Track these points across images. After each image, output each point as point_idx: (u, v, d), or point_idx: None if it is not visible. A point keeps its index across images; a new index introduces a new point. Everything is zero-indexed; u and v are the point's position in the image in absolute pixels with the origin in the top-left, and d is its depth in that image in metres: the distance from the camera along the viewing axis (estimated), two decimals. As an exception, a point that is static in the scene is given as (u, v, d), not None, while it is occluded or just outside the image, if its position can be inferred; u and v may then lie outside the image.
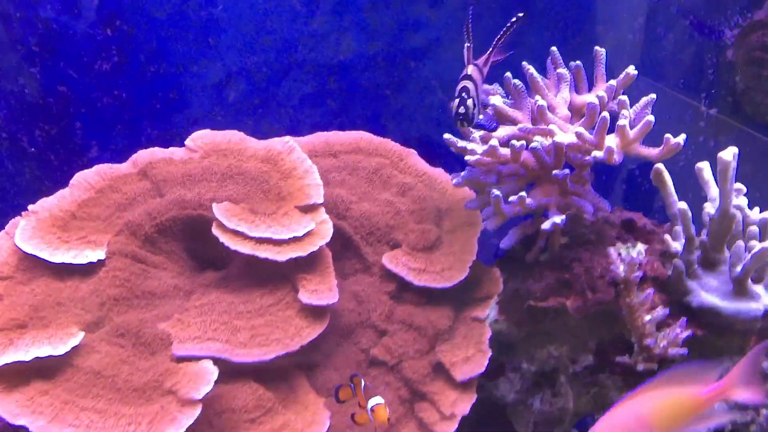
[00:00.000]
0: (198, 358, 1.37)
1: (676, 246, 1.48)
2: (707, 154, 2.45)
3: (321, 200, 1.62)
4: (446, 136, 1.60)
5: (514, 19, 1.49)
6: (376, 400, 1.27)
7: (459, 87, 1.38)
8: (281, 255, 1.48)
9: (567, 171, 1.44)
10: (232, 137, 1.75)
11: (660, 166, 1.52)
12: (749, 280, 1.41)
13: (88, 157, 2.16)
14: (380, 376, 1.55)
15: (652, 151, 1.48)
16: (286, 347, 1.43)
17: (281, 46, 2.29)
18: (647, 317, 1.35)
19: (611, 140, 1.45)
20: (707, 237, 1.49)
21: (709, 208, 1.51)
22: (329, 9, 2.22)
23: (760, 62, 2.13)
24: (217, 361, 1.38)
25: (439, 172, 1.83)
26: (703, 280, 1.48)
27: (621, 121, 1.40)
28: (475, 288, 1.64)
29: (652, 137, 1.49)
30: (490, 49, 1.51)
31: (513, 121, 1.56)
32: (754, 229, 1.48)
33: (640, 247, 1.53)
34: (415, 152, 1.88)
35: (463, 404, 1.51)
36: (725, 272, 1.47)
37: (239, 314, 1.45)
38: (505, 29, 1.50)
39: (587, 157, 1.42)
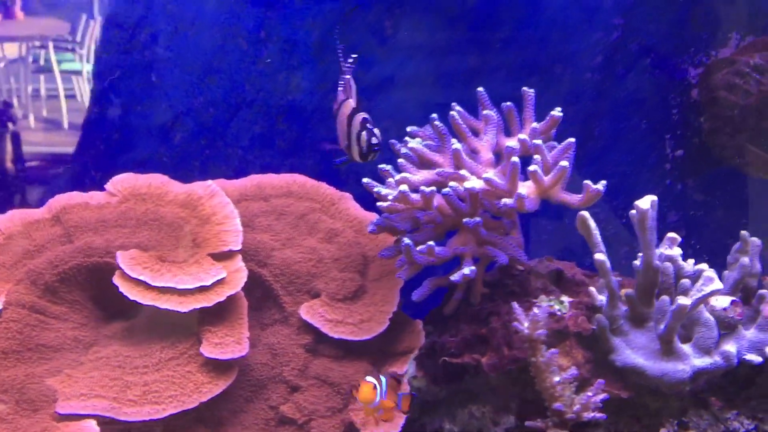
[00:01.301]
0: (82, 417, 1.32)
1: (601, 299, 1.40)
2: (675, 198, 2.37)
3: (238, 247, 1.57)
4: (365, 180, 1.55)
5: (350, 61, 1.45)
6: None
7: (357, 121, 1.33)
8: (184, 306, 1.43)
9: (478, 219, 1.37)
10: (154, 181, 1.71)
11: (584, 213, 1.45)
12: (676, 339, 1.33)
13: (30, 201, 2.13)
14: (289, 435, 1.48)
15: (573, 199, 1.42)
16: (182, 405, 1.37)
17: (229, 85, 2.27)
18: (556, 378, 1.26)
19: (526, 187, 1.39)
20: (635, 290, 1.41)
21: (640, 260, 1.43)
22: (277, 48, 2.19)
23: (725, 102, 2.06)
24: (104, 420, 1.32)
25: (372, 217, 1.77)
26: (630, 337, 1.40)
27: (531, 167, 1.34)
28: (396, 341, 1.57)
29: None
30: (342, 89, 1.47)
31: (433, 165, 1.51)
32: (686, 282, 1.40)
33: (566, 299, 1.46)
34: (350, 196, 1.83)
35: (377, 469, 1.43)
36: (654, 329, 1.38)
37: (134, 369, 1.40)
38: (344, 71, 1.46)
39: (500, 204, 1.35)
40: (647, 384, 1.37)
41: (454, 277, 1.36)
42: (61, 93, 2.30)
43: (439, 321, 1.57)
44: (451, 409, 1.51)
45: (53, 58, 2.28)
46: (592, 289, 1.42)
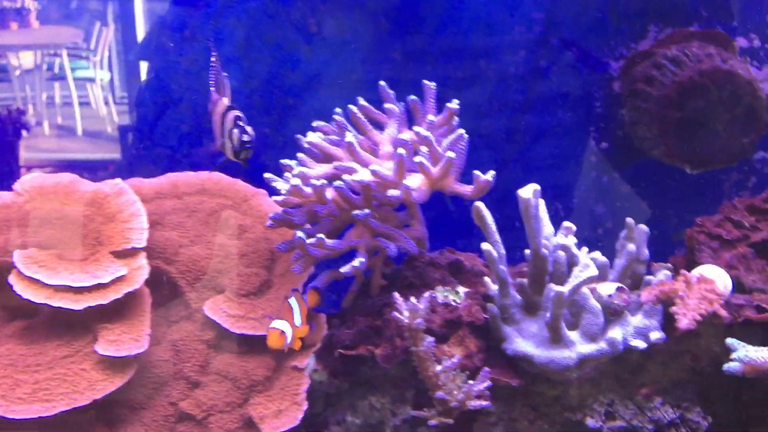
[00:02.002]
0: (-32, 415, 1.31)
1: (495, 289, 1.42)
2: (601, 190, 2.39)
3: (142, 245, 1.58)
4: (266, 175, 1.56)
5: (213, 59, 1.45)
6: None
7: (229, 118, 1.33)
8: (78, 304, 1.43)
9: (367, 211, 1.38)
10: (62, 180, 1.71)
11: (479, 204, 1.46)
12: (562, 326, 1.34)
13: None
14: (188, 431, 1.48)
15: (465, 189, 1.43)
16: (74, 402, 1.37)
17: (155, 84, 2.27)
18: (437, 367, 1.27)
19: (417, 178, 1.40)
20: (527, 279, 1.42)
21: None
22: (201, 46, 2.20)
23: (643, 94, 2.08)
24: (-8, 418, 1.32)
25: (285, 213, 1.77)
26: (522, 326, 1.41)
27: (417, 158, 1.35)
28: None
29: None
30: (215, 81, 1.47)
31: (333, 159, 1.51)
32: (573, 274, 1.41)
33: (462, 290, 1.47)
34: (265, 193, 1.83)
35: (272, 462, 1.43)
36: (544, 317, 1.39)
37: (26, 368, 1.40)
38: (212, 72, 1.46)
39: (389, 196, 1.36)
40: (536, 371, 1.39)
41: (344, 269, 1.36)
42: (75, 100, 2.30)
43: (342, 313, 1.58)
44: (353, 402, 1.52)
45: (67, 65, 2.29)
46: (486, 279, 1.44)
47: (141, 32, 2.51)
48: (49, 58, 2.34)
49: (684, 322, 1.21)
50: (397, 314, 1.25)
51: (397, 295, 1.27)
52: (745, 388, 1.42)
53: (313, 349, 1.54)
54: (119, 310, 1.49)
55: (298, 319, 1.32)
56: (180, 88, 2.27)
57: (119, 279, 1.50)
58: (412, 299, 1.25)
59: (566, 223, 1.49)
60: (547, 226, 1.51)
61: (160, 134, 2.31)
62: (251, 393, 1.51)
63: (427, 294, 1.28)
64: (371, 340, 1.43)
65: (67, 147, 2.23)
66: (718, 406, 1.47)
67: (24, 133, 2.08)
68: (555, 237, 1.48)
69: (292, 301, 1.34)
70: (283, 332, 1.26)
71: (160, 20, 2.32)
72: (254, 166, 2.15)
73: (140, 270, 1.54)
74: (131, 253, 1.57)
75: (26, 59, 2.20)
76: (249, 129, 1.30)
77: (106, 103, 2.47)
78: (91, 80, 2.33)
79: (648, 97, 2.06)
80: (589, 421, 2.20)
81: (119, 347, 1.44)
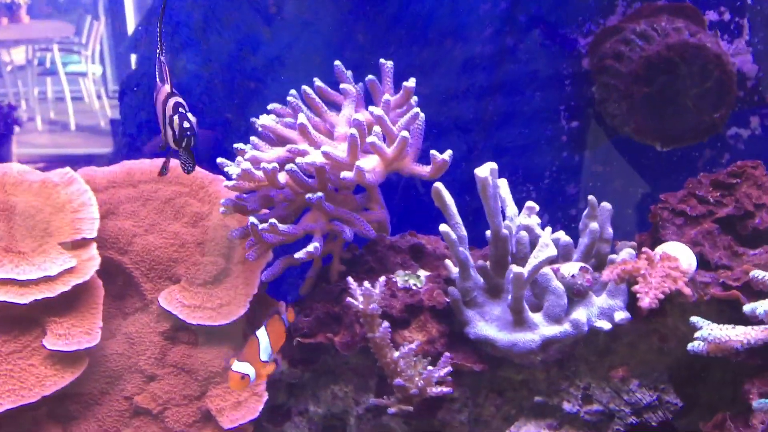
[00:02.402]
0: None
1: (456, 272, 1.38)
2: (573, 170, 2.36)
3: (93, 235, 1.53)
4: (219, 160, 1.51)
5: (159, 46, 1.39)
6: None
7: (170, 105, 1.28)
8: (24, 297, 1.38)
9: (320, 194, 1.34)
10: (9, 170, 1.65)
11: (438, 185, 1.42)
12: (525, 308, 1.31)
13: None
14: (143, 426, 1.44)
15: (423, 170, 1.39)
16: (22, 399, 1.33)
17: (137, 75, 2.21)
18: (395, 353, 1.24)
19: (372, 160, 1.36)
20: (489, 261, 1.39)
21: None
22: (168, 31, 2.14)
23: (612, 71, 2.04)
24: (-66, 417, 1.27)
25: (245, 200, 1.73)
26: (485, 309, 1.38)
27: (370, 138, 1.31)
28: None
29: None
30: (158, 68, 1.41)
31: (286, 141, 1.47)
32: (532, 255, 1.37)
33: (423, 274, 1.43)
34: (224, 179, 1.78)
35: (231, 455, 1.40)
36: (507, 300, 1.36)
37: (-30, 365, 1.35)
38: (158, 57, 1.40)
39: (342, 178, 1.32)
40: (499, 355, 1.35)
41: (299, 255, 1.32)
42: (67, 95, 2.24)
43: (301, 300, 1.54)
44: (315, 391, 1.49)
45: (58, 60, 2.22)
46: (448, 261, 1.40)
47: (131, 24, 2.46)
48: (40, 53, 2.29)
49: (646, 300, 1.17)
50: (351, 300, 1.21)
51: (350, 279, 1.24)
52: (714, 369, 1.39)
53: (272, 338, 1.49)
54: (69, 303, 1.45)
55: (265, 354, 1.23)
56: (136, 74, 2.21)
57: (68, 271, 1.45)
58: (366, 284, 1.21)
59: (529, 203, 1.46)
60: (510, 207, 1.47)
61: (118, 122, 2.25)
62: (209, 385, 1.47)
63: (382, 278, 1.24)
64: (330, 327, 1.39)
65: (60, 142, 2.17)
66: (688, 387, 1.44)
67: (16, 128, 2.03)
68: (518, 217, 1.45)
69: (261, 333, 1.25)
70: (245, 376, 1.19)
71: (148, 11, 2.27)
72: (218, 153, 2.11)
73: (91, 261, 1.50)
74: (81, 243, 1.52)
75: (17, 55, 2.15)
76: (190, 116, 1.24)
77: (99, 97, 2.42)
78: (83, 74, 2.28)
79: (617, 74, 2.02)
80: (566, 406, 2.18)
81: (69, 341, 1.39)
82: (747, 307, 1.09)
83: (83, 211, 1.57)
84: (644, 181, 2.31)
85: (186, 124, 1.24)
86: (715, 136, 2.08)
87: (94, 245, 1.53)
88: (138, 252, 1.59)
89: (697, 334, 1.13)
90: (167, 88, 1.31)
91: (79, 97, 2.38)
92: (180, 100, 1.27)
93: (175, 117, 1.24)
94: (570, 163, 2.30)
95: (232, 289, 1.53)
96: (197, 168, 1.80)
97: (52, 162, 2.10)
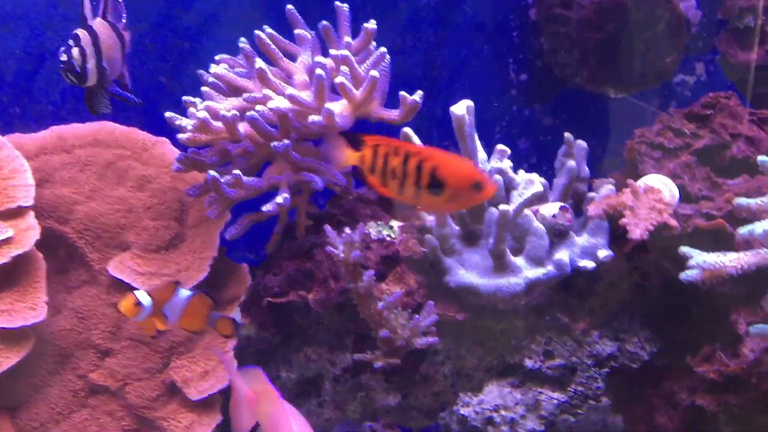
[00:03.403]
0: None
1: (431, 219, 1.33)
2: (523, 124, 2.35)
3: (30, 203, 1.41)
4: (167, 114, 1.42)
5: None
6: None
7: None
8: (-42, 271, 1.26)
9: (287, 142, 1.27)
10: (-73, 138, 1.51)
11: (407, 130, 1.37)
12: (506, 252, 1.28)
13: None
14: (102, 405, 1.35)
15: (392, 114, 1.34)
16: (-36, 383, 1.21)
17: (27, 33, 2.05)
18: (379, 304, 1.18)
19: (340, 104, 1.29)
20: (465, 207, 1.35)
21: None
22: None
23: (562, 19, 2.03)
24: None
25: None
26: (464, 256, 1.34)
27: (338, 79, 1.24)
28: (221, 288, 1.45)
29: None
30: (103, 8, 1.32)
31: (242, 91, 1.39)
32: (515, 194, 1.35)
33: (396, 224, 1.38)
34: (168, 141, 1.68)
35: (202, 427, 1.32)
36: (486, 245, 1.33)
37: None
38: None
39: (310, 124, 1.25)
40: (483, 303, 1.32)
41: (266, 207, 1.25)
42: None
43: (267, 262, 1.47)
44: (287, 355, 1.42)
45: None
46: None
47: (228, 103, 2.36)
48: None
49: (637, 232, 1.16)
50: (331, 249, 1.15)
51: (328, 228, 1.17)
52: (694, 304, 1.40)
53: (238, 302, 1.42)
54: (9, 277, 1.34)
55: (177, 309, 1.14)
56: (58, 37, 2.06)
57: (5, 242, 1.34)
58: (347, 230, 1.15)
59: (500, 146, 1.43)
60: (480, 151, 1.44)
61: (40, 90, 2.10)
62: (172, 356, 1.39)
63: (360, 225, 1.18)
64: (302, 284, 1.33)
65: (146, 204, 2.05)
66: (667, 325, 1.45)
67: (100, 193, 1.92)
68: (489, 162, 1.42)
69: (184, 293, 1.16)
70: (139, 303, 1.09)
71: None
72: (152, 119, 1.99)
73: (30, 231, 1.38)
74: (17, 212, 1.40)
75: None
76: (75, 51, 1.14)
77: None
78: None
79: (567, 22, 2.01)
80: (528, 362, 2.18)
81: (13, 317, 1.28)
82: (743, 230, 1.08)
83: (16, 177, 1.45)
84: (593, 133, 2.32)
85: (63, 57, 1.14)
86: (664, 83, 2.10)
87: (31, 214, 1.41)
88: (81, 220, 1.48)
89: (691, 262, 1.12)
90: (91, 22, 1.20)
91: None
92: (80, 32, 1.16)
93: (61, 49, 1.14)
94: (520, 118, 2.29)
95: (190, 253, 1.45)
96: (136, 130, 1.69)
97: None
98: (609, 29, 1.93)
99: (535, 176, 1.41)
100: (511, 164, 1.41)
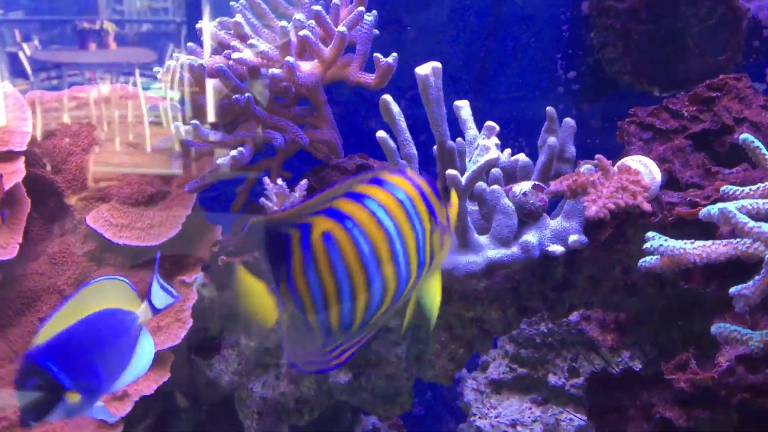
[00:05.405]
0: None
1: (399, 191, 1.29)
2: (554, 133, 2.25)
3: (21, 149, 1.48)
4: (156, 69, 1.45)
5: None
6: None
7: None
8: (-65, 203, 1.33)
9: (248, 95, 1.27)
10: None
11: (386, 97, 1.34)
12: (470, 229, 1.22)
13: None
14: (56, 348, 1.38)
15: (368, 78, 1.31)
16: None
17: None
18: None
19: (310, 63, 1.28)
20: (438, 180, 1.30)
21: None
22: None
23: (611, 11, 1.94)
24: None
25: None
26: (430, 232, 1.28)
27: (302, 32, 1.23)
28: (193, 248, 1.47)
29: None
30: None
31: (225, 47, 1.40)
32: (496, 172, 1.29)
33: (366, 195, 1.34)
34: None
35: (146, 383, 1.33)
36: (456, 221, 1.27)
37: None
38: None
39: (270, 73, 1.24)
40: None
41: (221, 160, 1.25)
42: (146, 118, 2.29)
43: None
44: (248, 321, 1.41)
45: (139, 85, 2.29)
46: (392, 180, 1.31)
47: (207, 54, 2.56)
48: (123, 77, 2.36)
49: (593, 209, 1.07)
50: (263, 200, 1.13)
51: (266, 179, 1.16)
52: (695, 313, 1.28)
53: (202, 261, 1.43)
54: (-13, 218, 1.40)
55: None
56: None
57: (-14, 183, 1.40)
58: (279, 181, 1.13)
59: (489, 123, 1.37)
60: (471, 129, 1.39)
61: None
62: (131, 308, 1.40)
63: (303, 182, 1.16)
64: (259, 246, 1.31)
65: (136, 162, 2.24)
66: (660, 329, 1.34)
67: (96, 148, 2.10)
68: (477, 140, 1.36)
69: None
70: None
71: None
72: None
73: (15, 174, 1.45)
74: (8, 156, 1.47)
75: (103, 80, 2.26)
76: None
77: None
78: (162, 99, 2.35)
79: (616, 13, 1.92)
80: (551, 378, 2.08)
81: (-22, 254, 1.34)
82: (703, 211, 0.98)
83: (15, 123, 1.52)
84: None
85: None
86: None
87: (22, 159, 1.48)
88: (72, 171, 1.54)
89: (647, 245, 1.02)
90: None
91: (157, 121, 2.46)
92: None
93: None
94: (567, 117, 2.19)
95: (166, 209, 1.47)
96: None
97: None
98: (655, 21, 1.82)
99: (521, 155, 1.34)
100: (498, 142, 1.35)
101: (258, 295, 0.78)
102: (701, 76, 1.84)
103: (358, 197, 0.77)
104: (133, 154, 1.58)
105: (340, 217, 0.76)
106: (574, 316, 1.88)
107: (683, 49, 1.83)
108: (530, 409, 2.15)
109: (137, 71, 2.25)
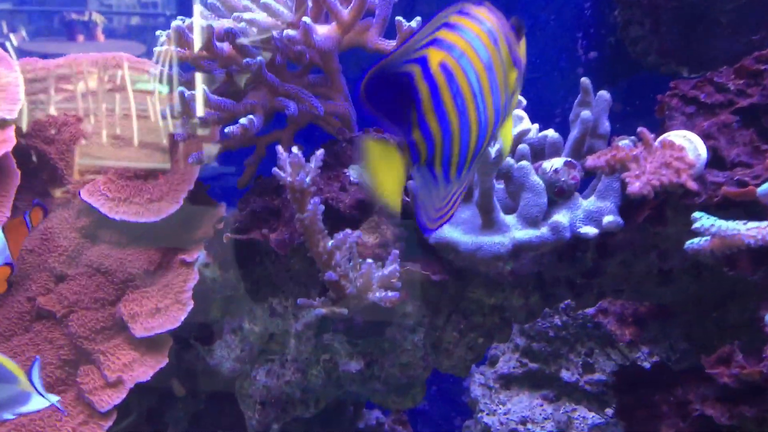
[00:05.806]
0: None
1: (418, 166, 1.20)
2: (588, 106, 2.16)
3: (13, 116, 1.40)
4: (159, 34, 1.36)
5: None
6: None
7: None
8: None
9: (260, 59, 1.18)
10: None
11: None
12: (496, 208, 1.13)
13: None
14: (44, 331, 1.29)
15: (388, 45, 1.23)
16: None
17: None
18: (329, 241, 1.07)
19: (326, 27, 1.19)
20: (460, 155, 1.21)
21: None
22: None
23: (638, -12, 1.85)
24: None
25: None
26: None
27: (315, -9, 1.14)
28: (195, 226, 1.38)
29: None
30: None
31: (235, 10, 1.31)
32: (523, 147, 1.20)
33: (382, 170, 1.25)
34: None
35: (142, 368, 1.24)
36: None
37: None
38: None
39: (285, 36, 1.16)
40: (463, 264, 1.18)
41: (229, 129, 1.16)
42: (134, 112, 2.23)
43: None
44: (252, 306, 1.32)
45: (127, 78, 2.24)
46: (411, 155, 1.22)
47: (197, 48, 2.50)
48: (111, 70, 2.28)
49: (636, 185, 0.99)
50: (277, 170, 1.05)
51: (279, 148, 1.07)
52: (732, 303, 1.20)
53: (204, 241, 1.34)
54: (-29, 190, 1.31)
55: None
56: None
57: (-24, 148, 1.31)
58: (295, 148, 1.04)
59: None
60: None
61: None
62: (126, 289, 1.32)
63: (320, 151, 1.07)
64: (268, 222, 1.23)
65: (121, 155, 2.15)
66: (694, 320, 1.26)
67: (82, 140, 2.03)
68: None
69: None
70: None
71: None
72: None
73: (3, 144, 1.36)
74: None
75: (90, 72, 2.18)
76: None
77: (164, 115, 2.49)
78: (150, 93, 2.26)
79: (643, -11, 1.83)
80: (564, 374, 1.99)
81: (-36, 223, 1.25)
82: (761, 189, 0.90)
83: (6, 91, 1.44)
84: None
85: None
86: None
87: (12, 127, 1.39)
88: (65, 141, 1.44)
89: (696, 225, 0.94)
90: None
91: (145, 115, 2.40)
92: None
93: None
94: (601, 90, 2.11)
95: (166, 184, 1.38)
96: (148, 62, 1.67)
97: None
98: (686, -3, 1.73)
99: (550, 131, 1.26)
100: (524, 114, 1.27)
101: (389, 159, 0.73)
102: (733, 56, 1.75)
103: (455, 27, 0.73)
104: (131, 125, 1.48)
105: (448, 46, 0.72)
106: (589, 309, 1.80)
107: (714, 27, 1.74)
108: (541, 405, 2.06)
109: (126, 64, 2.20)
